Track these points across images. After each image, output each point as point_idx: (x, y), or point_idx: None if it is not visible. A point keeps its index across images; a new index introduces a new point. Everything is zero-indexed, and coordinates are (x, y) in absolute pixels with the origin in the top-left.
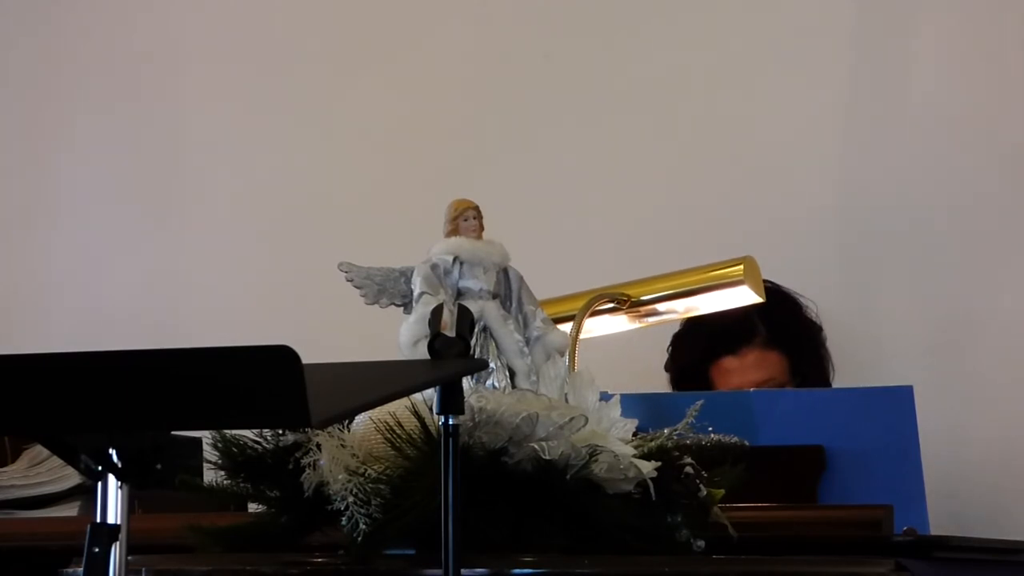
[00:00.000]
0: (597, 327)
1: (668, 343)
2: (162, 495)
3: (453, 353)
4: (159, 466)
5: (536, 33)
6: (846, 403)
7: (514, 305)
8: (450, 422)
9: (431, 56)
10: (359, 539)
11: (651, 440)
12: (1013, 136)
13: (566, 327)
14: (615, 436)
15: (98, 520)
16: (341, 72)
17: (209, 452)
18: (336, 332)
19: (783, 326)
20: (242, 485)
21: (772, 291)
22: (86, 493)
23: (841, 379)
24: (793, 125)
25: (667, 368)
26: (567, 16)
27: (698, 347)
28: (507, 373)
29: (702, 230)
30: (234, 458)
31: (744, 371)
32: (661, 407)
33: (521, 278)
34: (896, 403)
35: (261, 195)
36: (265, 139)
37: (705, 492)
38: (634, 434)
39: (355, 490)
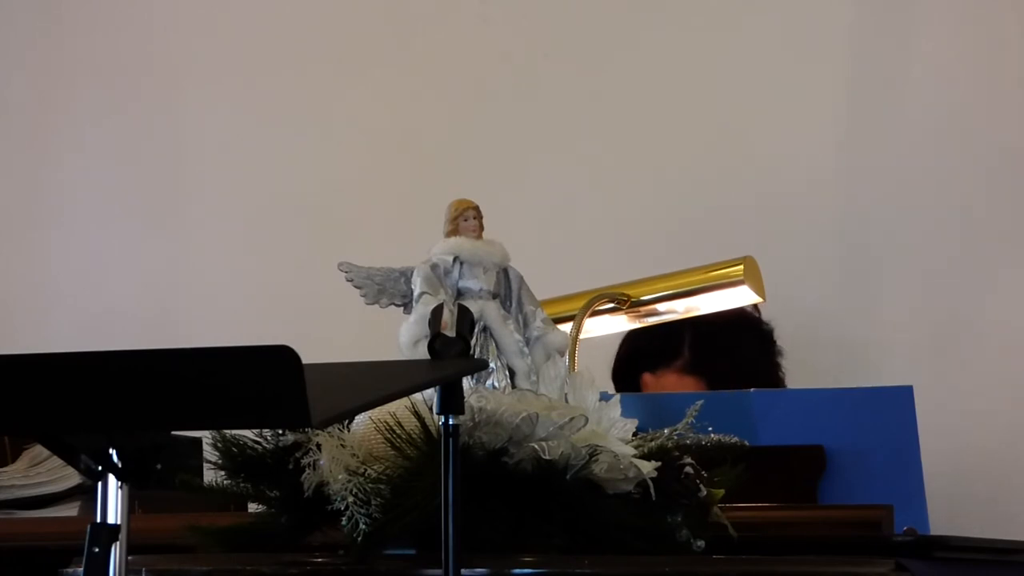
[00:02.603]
0: (597, 327)
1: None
2: (162, 495)
3: (453, 353)
4: (159, 466)
5: (536, 33)
6: (846, 403)
7: (514, 305)
8: (450, 422)
9: (430, 56)
10: (359, 539)
11: (651, 440)
12: (1013, 136)
13: (566, 327)
14: (615, 436)
15: (98, 520)
16: (340, 73)
17: (209, 452)
18: (335, 332)
19: (705, 357)
20: (242, 485)
21: (710, 321)
22: (86, 493)
23: (841, 379)
24: (793, 125)
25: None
26: (567, 16)
27: (626, 357)
28: (507, 373)
29: (702, 230)
30: (234, 458)
31: (659, 390)
32: (661, 407)
33: (521, 278)
34: (896, 403)
35: (261, 195)
36: (265, 139)
37: (705, 492)
38: (634, 434)
39: (355, 490)
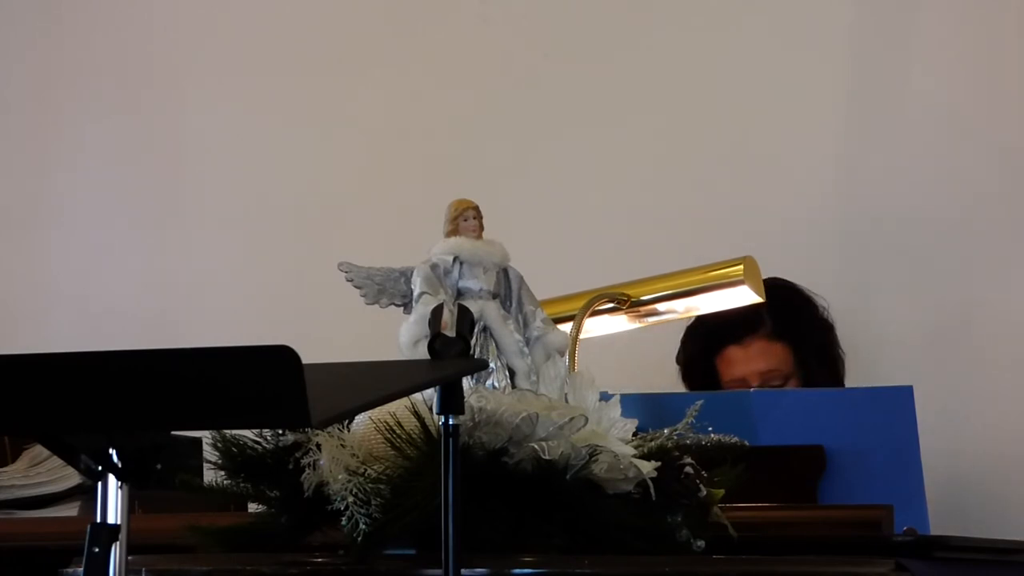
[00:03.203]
0: (597, 327)
1: (672, 341)
2: (162, 495)
3: (453, 353)
4: (159, 466)
5: (536, 33)
6: (846, 403)
7: (514, 305)
8: (450, 422)
9: (431, 57)
10: (359, 539)
11: (651, 440)
12: (1012, 135)
13: (566, 327)
14: (615, 436)
15: (98, 520)
16: (340, 73)
17: (209, 452)
18: (336, 332)
19: (789, 319)
20: (242, 485)
21: (783, 287)
22: (86, 493)
23: None
24: (793, 125)
25: (677, 360)
26: (567, 16)
27: (706, 337)
28: (507, 373)
29: (702, 230)
30: (234, 458)
31: (748, 361)
32: (661, 407)
33: (521, 278)
34: (896, 403)
35: (261, 196)
36: (264, 140)
37: (705, 492)
38: (634, 434)
39: (355, 490)
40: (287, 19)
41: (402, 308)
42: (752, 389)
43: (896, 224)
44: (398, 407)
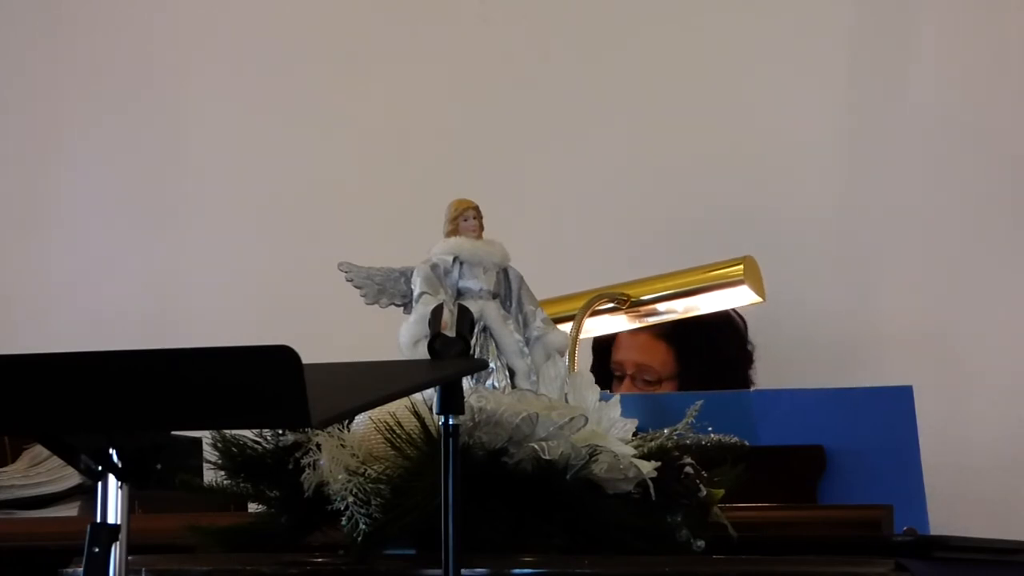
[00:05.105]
0: (597, 327)
1: None
2: (162, 495)
3: (453, 353)
4: (159, 466)
5: (536, 33)
6: (846, 403)
7: (514, 305)
8: (450, 422)
9: (431, 57)
10: (359, 539)
11: (651, 440)
12: (1013, 137)
13: (566, 327)
14: (615, 436)
15: (98, 520)
16: (340, 73)
17: (209, 452)
18: (336, 332)
19: (687, 329)
20: (242, 485)
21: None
22: (86, 493)
23: (841, 379)
24: (793, 125)
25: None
26: (567, 17)
27: None
28: (507, 373)
29: (702, 230)
30: (234, 458)
31: (630, 349)
32: (661, 407)
33: (521, 278)
34: (896, 403)
35: (261, 196)
36: (264, 140)
37: (705, 492)
38: (634, 434)
39: (355, 490)
40: (287, 19)
41: (402, 308)
42: (752, 390)
43: (896, 224)
44: (398, 407)
